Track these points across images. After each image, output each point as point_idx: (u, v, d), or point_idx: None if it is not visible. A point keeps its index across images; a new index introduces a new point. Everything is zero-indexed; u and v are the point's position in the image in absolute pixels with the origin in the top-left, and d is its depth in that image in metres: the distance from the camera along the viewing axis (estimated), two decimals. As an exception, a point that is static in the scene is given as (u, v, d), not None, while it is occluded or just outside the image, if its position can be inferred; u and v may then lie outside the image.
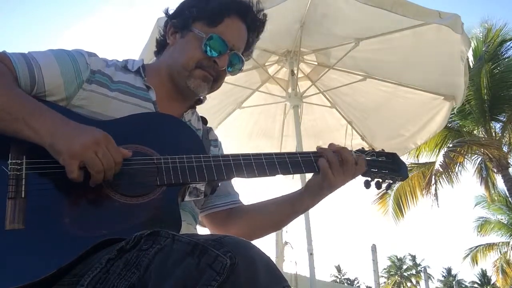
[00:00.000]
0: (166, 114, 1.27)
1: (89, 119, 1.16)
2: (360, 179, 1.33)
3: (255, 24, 1.38)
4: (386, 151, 1.40)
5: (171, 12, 1.39)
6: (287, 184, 5.03)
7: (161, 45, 1.42)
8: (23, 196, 0.98)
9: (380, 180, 1.33)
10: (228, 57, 1.29)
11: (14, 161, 1.01)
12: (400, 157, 1.40)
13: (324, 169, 1.24)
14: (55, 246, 0.95)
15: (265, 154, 1.23)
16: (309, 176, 1.35)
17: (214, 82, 1.33)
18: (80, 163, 0.98)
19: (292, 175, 4.46)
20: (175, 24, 1.34)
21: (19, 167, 1.01)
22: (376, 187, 1.34)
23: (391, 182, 1.35)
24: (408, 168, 12.96)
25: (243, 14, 1.33)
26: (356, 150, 1.35)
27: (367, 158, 1.33)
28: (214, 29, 1.27)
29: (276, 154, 1.25)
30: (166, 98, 1.32)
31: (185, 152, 1.15)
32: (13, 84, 1.09)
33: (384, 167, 1.34)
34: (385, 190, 1.40)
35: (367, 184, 1.33)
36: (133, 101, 1.25)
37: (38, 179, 1.02)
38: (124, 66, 1.32)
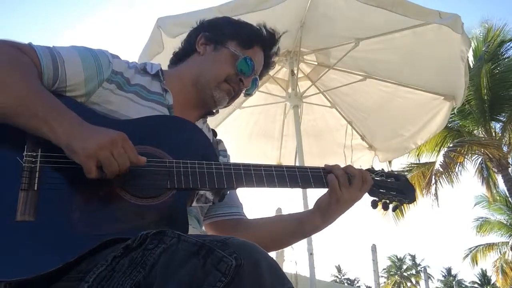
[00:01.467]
0: (182, 118, 1.29)
1: (105, 117, 1.18)
2: (368, 199, 1.34)
3: (269, 61, 1.50)
4: (396, 172, 1.42)
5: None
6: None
7: (186, 53, 1.45)
8: (35, 188, 0.99)
9: (388, 201, 1.34)
10: (251, 79, 1.41)
11: (29, 153, 1.02)
12: (409, 181, 1.42)
13: (332, 184, 1.27)
14: (63, 241, 0.96)
15: (275, 166, 1.26)
16: (310, 191, 1.36)
17: (232, 98, 1.41)
18: (97, 162, 0.99)
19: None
20: (208, 36, 1.41)
21: (34, 160, 1.02)
22: (383, 208, 1.35)
23: (398, 204, 1.36)
24: (408, 168, 13.07)
25: (266, 47, 1.45)
26: (366, 170, 1.37)
27: (376, 178, 1.36)
28: (245, 52, 1.38)
29: (286, 167, 1.28)
30: (182, 104, 1.35)
31: (197, 158, 1.17)
32: (36, 79, 1.09)
33: (392, 189, 1.36)
34: (392, 211, 1.43)
35: (374, 205, 1.34)
36: (148, 105, 1.27)
37: (52, 173, 1.03)
38: (143, 69, 1.35)
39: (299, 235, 1.40)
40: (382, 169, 1.40)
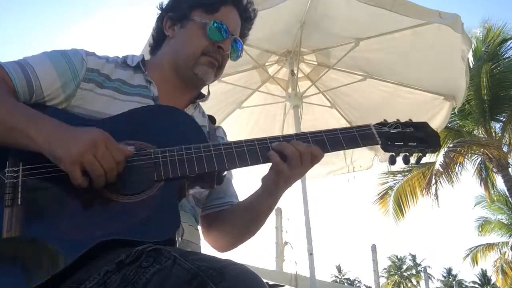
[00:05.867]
0: (164, 105, 1.25)
1: (88, 119, 1.15)
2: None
3: (247, 14, 1.41)
4: (413, 121, 1.29)
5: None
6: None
7: (158, 41, 1.41)
8: (19, 203, 0.97)
9: (407, 154, 1.22)
10: (230, 42, 1.32)
11: (11, 168, 1.01)
12: (431, 127, 1.28)
13: (279, 167, 1.13)
14: (51, 252, 0.94)
15: (270, 138, 1.16)
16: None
17: (218, 68, 1.34)
18: (81, 167, 0.97)
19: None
20: (172, 16, 1.36)
21: (15, 174, 1.01)
22: (404, 162, 1.22)
23: (421, 155, 1.24)
24: (408, 168, 13.11)
25: (236, 3, 1.37)
26: (377, 123, 1.25)
27: (392, 131, 1.23)
28: (213, 16, 1.30)
29: (283, 136, 1.17)
30: (168, 92, 1.31)
31: (185, 143, 1.11)
32: (7, 95, 1.08)
33: (411, 139, 1.23)
34: (415, 164, 1.26)
35: (392, 160, 1.22)
36: (131, 99, 1.23)
37: (35, 185, 1.02)
38: (124, 62, 1.32)
39: (260, 219, 1.30)
40: (398, 120, 1.28)
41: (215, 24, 1.29)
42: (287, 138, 1.17)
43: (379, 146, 1.22)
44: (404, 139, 1.22)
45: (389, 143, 1.21)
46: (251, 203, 1.28)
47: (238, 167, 1.14)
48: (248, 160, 1.12)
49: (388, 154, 1.24)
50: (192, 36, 1.31)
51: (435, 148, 1.24)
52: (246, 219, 1.32)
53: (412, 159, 1.23)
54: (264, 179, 1.21)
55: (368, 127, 1.23)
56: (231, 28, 1.33)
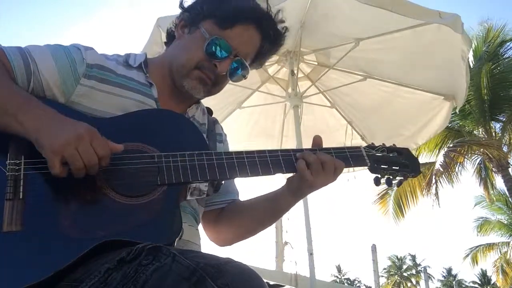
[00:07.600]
0: (168, 110, 1.24)
1: (89, 117, 1.13)
2: (370, 176, 1.31)
3: (270, 34, 1.32)
4: (397, 146, 1.36)
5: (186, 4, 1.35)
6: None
7: (168, 39, 1.39)
8: (21, 197, 0.96)
9: (391, 177, 1.30)
10: (229, 63, 1.25)
11: (12, 161, 0.99)
12: (412, 153, 1.36)
13: (302, 171, 1.18)
14: (52, 249, 0.93)
15: (269, 151, 1.20)
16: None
17: (213, 86, 1.29)
18: (61, 158, 0.96)
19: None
20: (186, 17, 1.31)
21: (17, 168, 0.99)
22: (386, 184, 1.30)
23: (402, 178, 1.31)
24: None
25: (257, 22, 1.27)
26: (366, 146, 1.32)
27: (378, 154, 1.30)
28: (223, 32, 1.23)
29: (281, 151, 1.22)
30: (168, 95, 1.30)
31: (187, 150, 1.13)
32: (5, 77, 1.07)
33: (395, 163, 1.30)
34: (396, 187, 1.39)
35: (377, 181, 1.29)
36: (136, 97, 1.22)
37: (37, 179, 1.00)
38: (125, 61, 1.29)
39: (279, 215, 1.34)
40: (383, 144, 1.34)
41: (215, 40, 1.22)
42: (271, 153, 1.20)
43: (367, 167, 1.30)
44: (388, 162, 1.30)
45: (375, 165, 1.29)
46: (275, 195, 1.31)
47: (238, 177, 1.17)
48: (248, 172, 1.15)
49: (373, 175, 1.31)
50: (192, 46, 1.25)
51: (416, 173, 1.32)
52: (264, 209, 1.34)
53: (394, 182, 1.32)
54: (289, 180, 1.26)
55: (359, 149, 1.30)
56: (239, 48, 1.25)
